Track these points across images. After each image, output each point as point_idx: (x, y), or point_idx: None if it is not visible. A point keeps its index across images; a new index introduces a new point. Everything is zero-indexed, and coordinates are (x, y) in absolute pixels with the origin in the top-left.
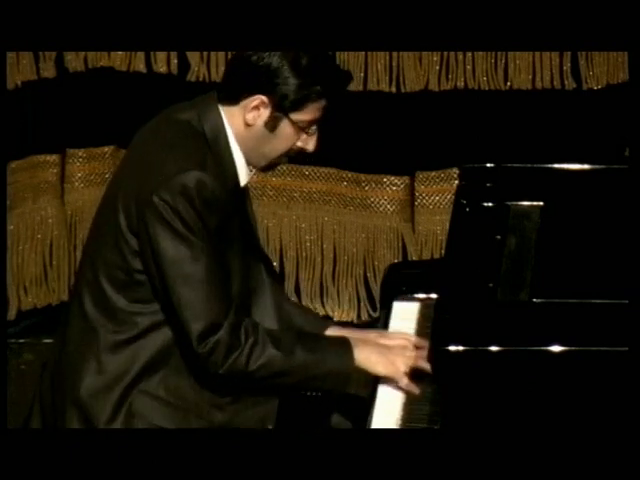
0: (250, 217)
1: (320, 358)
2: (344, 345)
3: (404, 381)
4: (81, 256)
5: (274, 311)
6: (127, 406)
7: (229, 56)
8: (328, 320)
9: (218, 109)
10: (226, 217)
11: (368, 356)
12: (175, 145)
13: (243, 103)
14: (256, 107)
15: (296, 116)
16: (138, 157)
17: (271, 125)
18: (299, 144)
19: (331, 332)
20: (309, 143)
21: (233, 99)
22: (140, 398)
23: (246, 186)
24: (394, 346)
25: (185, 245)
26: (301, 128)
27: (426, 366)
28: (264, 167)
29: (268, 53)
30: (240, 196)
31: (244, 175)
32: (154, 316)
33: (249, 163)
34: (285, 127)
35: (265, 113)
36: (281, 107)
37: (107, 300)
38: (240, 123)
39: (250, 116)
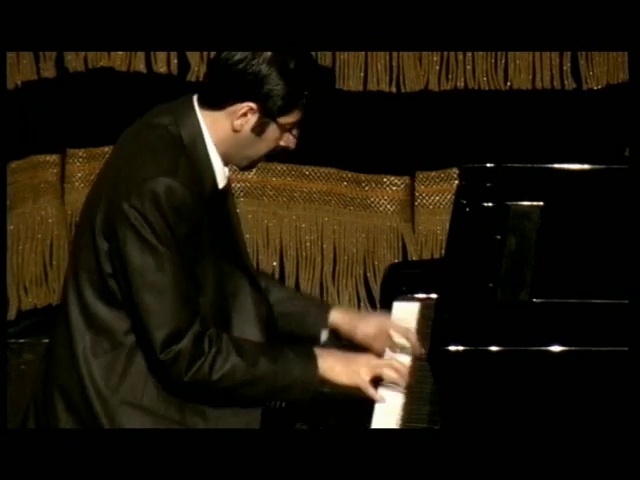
0: (232, 219)
1: (284, 369)
2: (308, 356)
3: (369, 391)
4: (68, 260)
5: (255, 316)
6: (110, 417)
7: None
8: (328, 305)
9: (196, 114)
10: (197, 224)
11: (332, 366)
12: (150, 150)
13: (230, 109)
14: (244, 114)
15: (283, 119)
16: (118, 160)
17: (258, 130)
18: (282, 143)
19: (334, 316)
20: (292, 142)
21: (217, 105)
22: (123, 409)
23: (228, 188)
24: (360, 356)
25: (151, 253)
26: (287, 130)
27: (390, 374)
28: (245, 167)
29: (256, 60)
30: (220, 199)
31: (222, 178)
32: (128, 322)
33: (228, 164)
34: (272, 131)
35: (253, 119)
36: (270, 113)
37: (87, 306)
38: (224, 129)
39: (238, 122)
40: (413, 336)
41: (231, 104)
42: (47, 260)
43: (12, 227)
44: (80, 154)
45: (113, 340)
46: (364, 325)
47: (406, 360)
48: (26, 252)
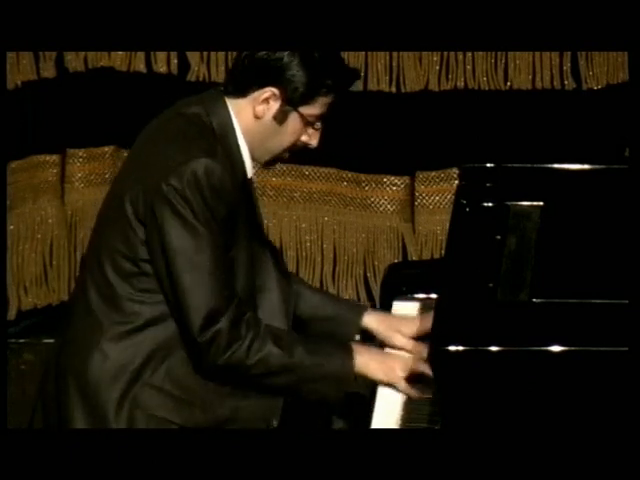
0: (257, 210)
1: (320, 361)
2: (345, 350)
3: (403, 386)
4: (86, 250)
5: (281, 308)
6: (132, 398)
7: (229, 56)
8: (361, 307)
9: (225, 103)
10: (233, 207)
11: (367, 362)
12: (184, 135)
13: (253, 96)
14: (266, 100)
15: (305, 110)
16: (146, 149)
17: (280, 118)
18: (304, 139)
19: (369, 319)
20: (313, 138)
21: (242, 92)
22: (145, 390)
23: (251, 180)
24: (393, 352)
25: (191, 234)
26: (309, 122)
27: (426, 369)
28: (267, 162)
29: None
30: (247, 188)
31: (250, 167)
32: (159, 306)
33: (253, 158)
34: (293, 121)
35: (275, 106)
36: (291, 100)
37: (112, 290)
38: (248, 116)
39: (260, 108)
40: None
41: (254, 90)
42: (47, 260)
43: (12, 227)
44: (80, 154)
45: (139, 325)
46: (405, 330)
47: None
48: (26, 252)
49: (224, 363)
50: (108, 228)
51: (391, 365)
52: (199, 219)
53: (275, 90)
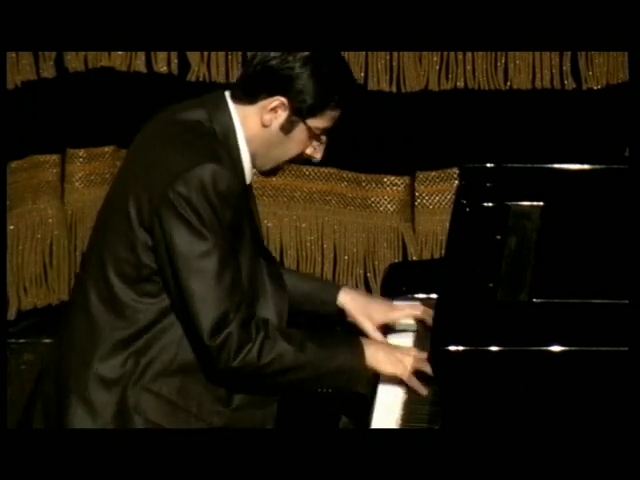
0: (255, 217)
1: (331, 353)
2: (354, 342)
3: (412, 380)
4: (85, 254)
5: (275, 317)
6: (130, 402)
7: (229, 56)
8: (337, 285)
9: (229, 109)
10: (239, 212)
11: (375, 354)
12: (187, 141)
13: (261, 104)
14: (274, 109)
15: (312, 122)
16: (146, 154)
17: (287, 128)
18: (308, 152)
19: (343, 295)
20: (318, 152)
21: (250, 99)
22: (143, 395)
23: (250, 186)
24: (402, 346)
25: (199, 239)
26: (315, 135)
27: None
28: (268, 171)
29: (292, 57)
30: (247, 195)
31: (249, 175)
32: (161, 312)
33: (254, 165)
34: (300, 132)
35: (282, 115)
36: (299, 111)
37: (114, 295)
38: (254, 123)
39: (267, 117)
40: (418, 312)
41: (263, 98)
42: (47, 260)
43: (12, 227)
44: (80, 154)
45: (140, 330)
46: (376, 317)
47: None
48: (26, 252)
49: (238, 365)
50: (110, 233)
51: (400, 357)
52: (205, 224)
53: (284, 100)
